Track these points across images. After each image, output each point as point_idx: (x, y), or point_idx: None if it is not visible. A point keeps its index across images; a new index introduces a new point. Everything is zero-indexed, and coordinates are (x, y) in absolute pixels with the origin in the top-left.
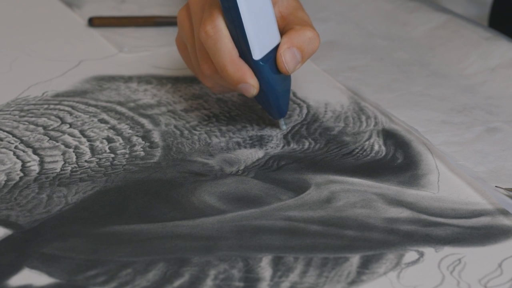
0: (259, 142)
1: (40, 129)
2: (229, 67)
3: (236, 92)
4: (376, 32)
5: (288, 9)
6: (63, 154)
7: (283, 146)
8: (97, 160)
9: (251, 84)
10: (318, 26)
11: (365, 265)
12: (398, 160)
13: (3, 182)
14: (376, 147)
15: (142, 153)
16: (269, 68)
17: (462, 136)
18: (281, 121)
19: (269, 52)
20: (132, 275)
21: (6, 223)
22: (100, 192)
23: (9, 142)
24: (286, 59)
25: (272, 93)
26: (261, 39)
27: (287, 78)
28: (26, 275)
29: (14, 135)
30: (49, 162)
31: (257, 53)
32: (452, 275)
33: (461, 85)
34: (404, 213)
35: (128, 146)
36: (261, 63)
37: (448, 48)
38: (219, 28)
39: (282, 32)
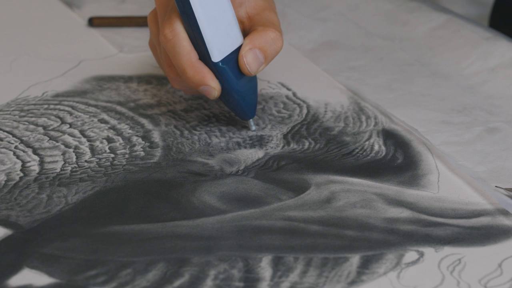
0: (259, 142)
1: (40, 129)
2: (188, 70)
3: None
4: (376, 32)
5: (255, 10)
6: (63, 154)
7: (283, 146)
8: (97, 160)
9: (211, 86)
10: (318, 26)
11: (365, 265)
12: (398, 160)
13: (3, 182)
14: (376, 147)
15: (142, 153)
16: (230, 70)
17: (462, 136)
18: (250, 122)
19: (230, 54)
20: (132, 275)
21: (6, 223)
22: (100, 192)
23: (9, 142)
24: (247, 60)
25: (237, 95)
26: (220, 41)
27: (252, 80)
28: (26, 275)
29: (14, 135)
30: (49, 162)
31: (216, 55)
32: (452, 275)
33: (461, 85)
34: (404, 213)
35: (128, 146)
36: (220, 64)
37: (448, 48)
38: (177, 31)
39: (248, 33)
